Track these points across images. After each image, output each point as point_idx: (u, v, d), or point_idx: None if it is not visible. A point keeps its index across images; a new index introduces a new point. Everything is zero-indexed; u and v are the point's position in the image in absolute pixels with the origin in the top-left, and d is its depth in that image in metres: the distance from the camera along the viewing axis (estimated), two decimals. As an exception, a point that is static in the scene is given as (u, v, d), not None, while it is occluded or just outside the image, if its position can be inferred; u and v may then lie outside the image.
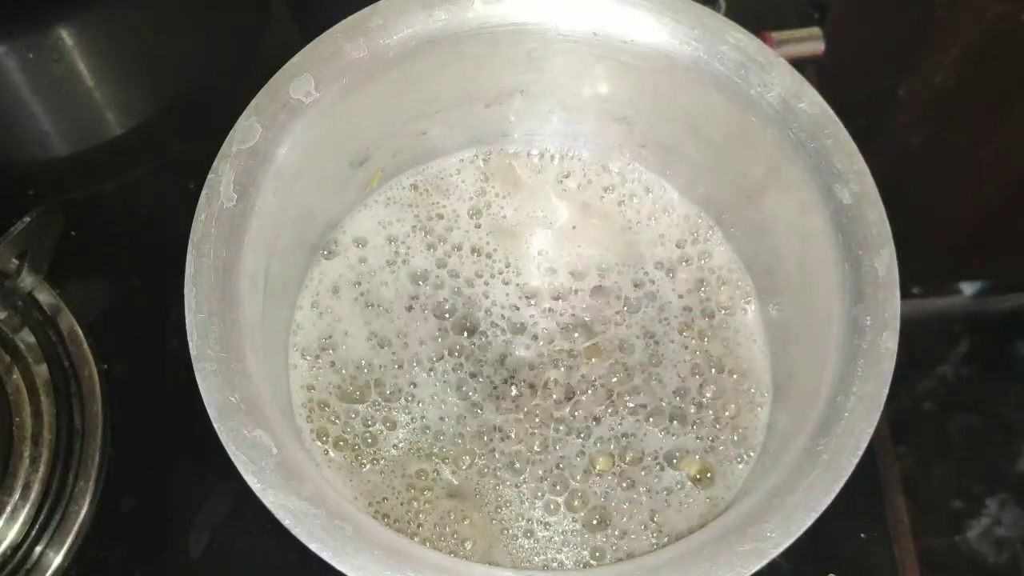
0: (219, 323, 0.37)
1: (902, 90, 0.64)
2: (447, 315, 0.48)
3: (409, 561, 0.34)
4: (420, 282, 0.49)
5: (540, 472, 0.45)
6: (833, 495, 0.36)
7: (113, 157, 0.58)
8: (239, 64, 0.62)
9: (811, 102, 0.42)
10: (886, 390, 0.38)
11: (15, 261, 0.49)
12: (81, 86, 0.60)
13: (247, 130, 0.41)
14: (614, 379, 0.47)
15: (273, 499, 0.34)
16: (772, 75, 0.43)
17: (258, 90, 0.41)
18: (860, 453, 0.36)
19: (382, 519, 0.44)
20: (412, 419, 0.46)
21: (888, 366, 0.38)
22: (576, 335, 0.48)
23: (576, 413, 0.46)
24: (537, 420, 0.46)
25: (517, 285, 0.49)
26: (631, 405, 0.47)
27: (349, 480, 0.44)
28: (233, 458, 0.35)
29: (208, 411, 0.35)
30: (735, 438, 0.46)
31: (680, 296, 0.49)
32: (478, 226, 0.50)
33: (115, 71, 0.61)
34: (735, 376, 0.47)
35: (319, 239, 0.49)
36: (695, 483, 0.45)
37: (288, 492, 0.34)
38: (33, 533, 0.45)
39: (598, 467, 0.45)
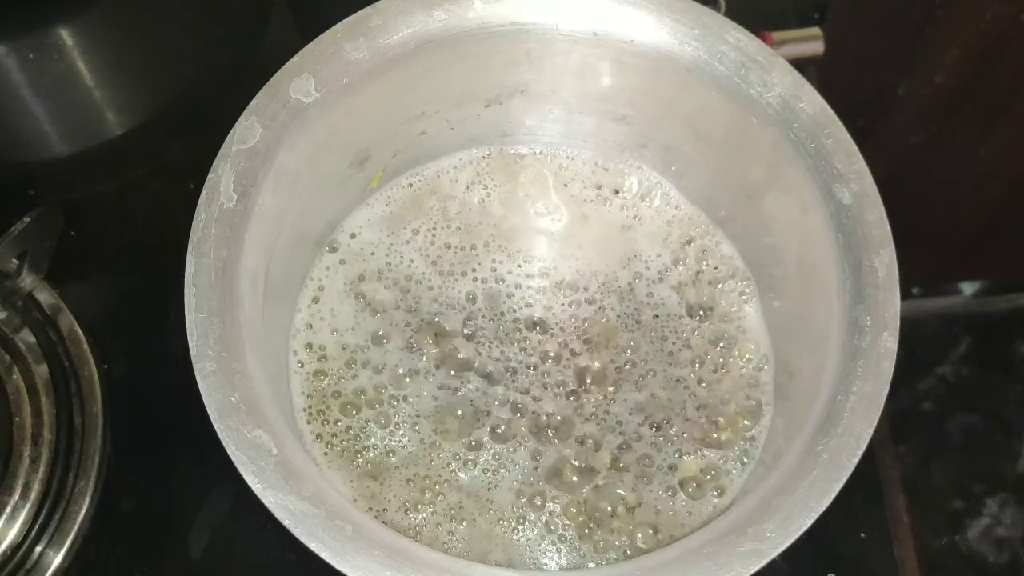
0: (219, 323, 0.37)
1: (902, 90, 0.64)
2: (448, 316, 0.48)
3: (409, 561, 0.34)
4: (421, 283, 0.49)
5: (540, 472, 0.45)
6: (833, 495, 0.36)
7: (113, 157, 0.58)
8: (239, 64, 0.62)
9: (811, 102, 0.42)
10: (886, 390, 0.38)
11: (15, 261, 0.49)
12: (81, 86, 0.60)
13: (247, 130, 0.41)
14: (614, 379, 0.47)
15: (273, 499, 0.34)
16: (772, 75, 0.43)
17: (258, 90, 0.41)
18: (860, 453, 0.36)
19: (382, 521, 0.44)
20: (413, 421, 0.46)
21: (888, 366, 0.38)
22: (576, 335, 0.48)
23: (576, 414, 0.46)
24: (537, 420, 0.46)
25: (517, 285, 0.49)
26: (631, 405, 0.47)
27: (350, 481, 0.44)
28: (233, 458, 0.35)
29: (208, 411, 0.35)
30: (735, 438, 0.46)
31: (680, 296, 0.49)
32: (478, 226, 0.50)
33: (115, 71, 0.61)
34: (735, 376, 0.47)
35: (319, 239, 0.49)
36: (695, 483, 0.45)
37: (288, 492, 0.34)
38: (33, 533, 0.45)
39: (598, 467, 0.45)
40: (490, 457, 0.45)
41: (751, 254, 0.49)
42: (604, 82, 0.47)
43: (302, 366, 0.46)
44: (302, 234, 0.47)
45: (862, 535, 0.48)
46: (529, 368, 0.47)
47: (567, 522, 0.44)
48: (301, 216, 0.45)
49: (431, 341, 0.48)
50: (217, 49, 0.62)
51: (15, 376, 0.48)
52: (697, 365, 0.48)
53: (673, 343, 0.48)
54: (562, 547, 0.44)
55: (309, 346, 0.47)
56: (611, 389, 0.47)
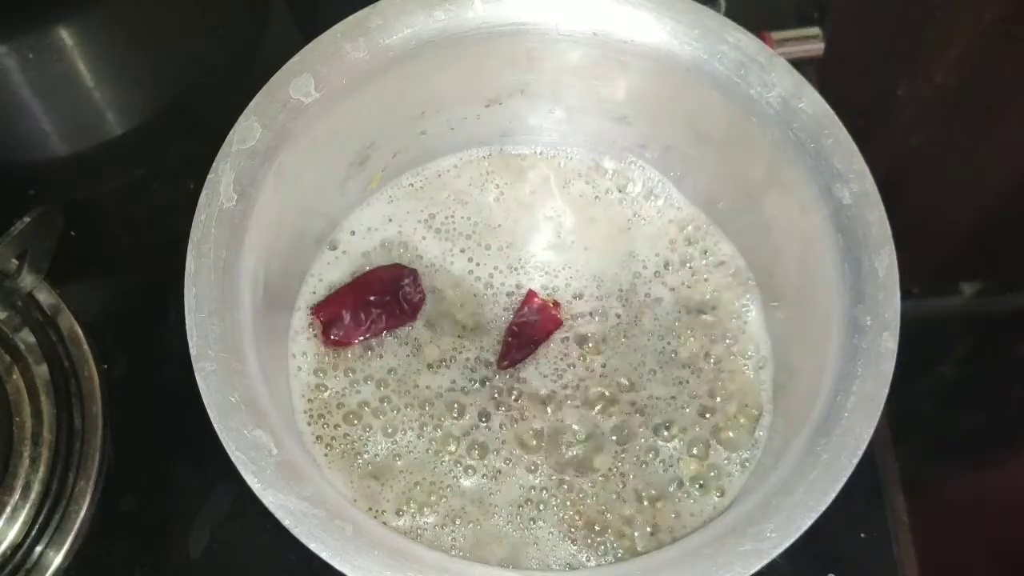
0: (219, 323, 0.37)
1: (902, 90, 0.64)
2: (447, 316, 0.48)
3: (410, 561, 0.34)
4: (421, 283, 0.49)
5: (540, 473, 0.45)
6: (833, 495, 0.36)
7: (113, 157, 0.58)
8: (239, 64, 0.62)
9: (811, 102, 0.42)
10: (886, 390, 0.38)
11: (15, 261, 0.49)
12: (81, 86, 0.60)
13: (247, 130, 0.41)
14: (612, 380, 0.47)
15: (273, 499, 0.34)
16: (772, 75, 0.43)
17: (258, 90, 0.41)
18: (860, 453, 0.36)
19: (382, 522, 0.44)
20: (413, 422, 0.46)
21: (888, 366, 0.38)
22: (576, 336, 0.48)
23: (575, 414, 0.46)
24: (537, 422, 0.46)
25: (517, 285, 0.49)
26: (630, 405, 0.47)
27: (350, 482, 0.44)
28: (233, 458, 0.35)
29: (208, 411, 0.35)
30: (735, 438, 0.46)
31: (680, 296, 0.49)
32: (478, 226, 0.50)
33: (115, 71, 0.61)
34: (735, 376, 0.47)
35: (319, 239, 0.49)
36: (696, 483, 0.45)
37: (288, 492, 0.34)
38: (33, 533, 0.45)
39: (598, 468, 0.45)
40: (490, 458, 0.45)
41: (751, 254, 0.49)
42: (604, 82, 0.47)
43: (300, 369, 0.46)
44: (302, 233, 0.47)
45: (862, 535, 0.48)
46: (530, 369, 0.47)
47: (568, 523, 0.44)
48: (301, 216, 0.45)
49: (431, 342, 0.47)
50: (217, 49, 0.62)
51: (15, 376, 0.48)
52: (697, 365, 0.48)
53: (673, 343, 0.48)
54: (563, 548, 0.44)
55: (309, 347, 0.47)
56: (610, 390, 0.47)
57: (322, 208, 0.48)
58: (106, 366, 0.50)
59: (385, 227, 0.50)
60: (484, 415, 0.46)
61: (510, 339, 0.47)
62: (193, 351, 0.36)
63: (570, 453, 0.45)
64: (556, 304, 0.48)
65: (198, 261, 0.38)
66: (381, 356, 0.47)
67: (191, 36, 0.62)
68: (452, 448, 0.45)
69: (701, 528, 0.39)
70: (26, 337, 0.49)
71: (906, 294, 0.39)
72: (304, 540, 0.34)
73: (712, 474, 0.45)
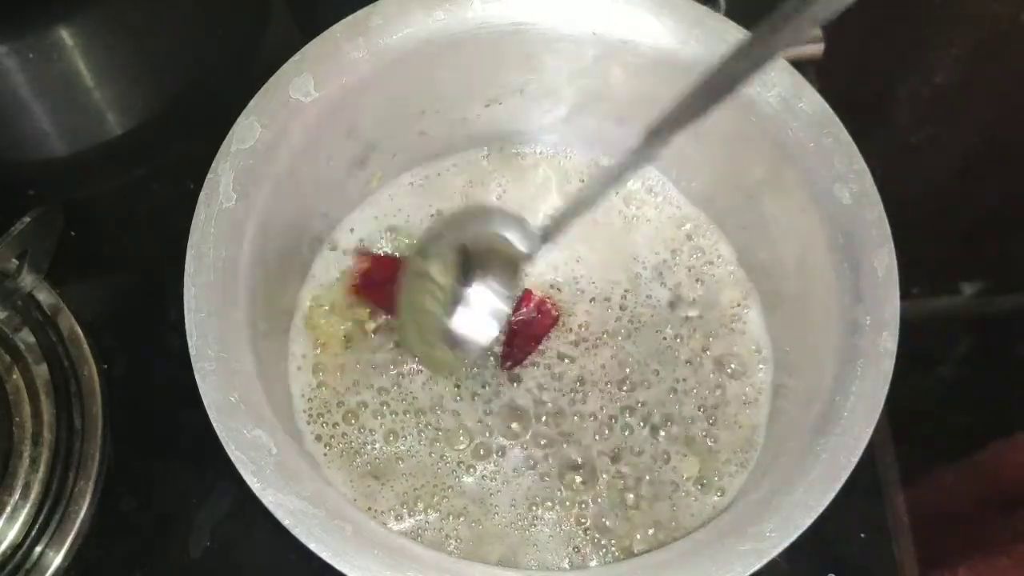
0: (219, 323, 0.37)
1: (902, 90, 0.64)
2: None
3: (409, 561, 0.34)
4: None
5: (540, 474, 0.45)
6: (833, 495, 0.36)
7: (113, 157, 0.58)
8: (239, 64, 0.62)
9: (811, 102, 0.42)
10: (886, 390, 0.38)
11: (15, 261, 0.49)
12: (81, 86, 0.59)
13: (247, 130, 0.41)
14: (612, 380, 0.47)
15: (273, 499, 0.34)
16: (772, 75, 0.43)
17: (258, 90, 0.41)
18: (860, 453, 0.36)
19: (381, 522, 0.44)
20: (414, 421, 0.46)
21: (888, 366, 0.38)
22: (576, 336, 0.48)
23: (576, 414, 0.46)
24: (537, 421, 0.46)
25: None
26: (630, 406, 0.47)
27: (350, 482, 0.44)
28: (233, 458, 0.35)
29: (208, 411, 0.35)
30: (735, 438, 0.46)
31: (679, 296, 0.49)
32: (478, 226, 0.50)
33: (115, 71, 0.61)
34: (734, 376, 0.47)
35: (319, 239, 0.49)
36: (695, 483, 0.45)
37: (288, 492, 0.34)
38: (33, 533, 0.45)
39: (598, 468, 0.45)
40: (491, 458, 0.45)
41: (751, 254, 0.49)
42: (603, 82, 0.47)
43: (300, 369, 0.46)
44: (302, 233, 0.47)
45: (862, 535, 0.48)
46: (531, 370, 0.47)
47: (568, 523, 0.44)
48: (301, 215, 0.45)
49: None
50: (217, 49, 0.62)
51: (15, 376, 0.48)
52: (696, 365, 0.48)
53: (672, 343, 0.48)
54: (563, 548, 0.44)
55: (309, 346, 0.47)
56: (609, 390, 0.47)
57: (322, 207, 0.48)
58: (106, 366, 0.50)
59: (385, 226, 0.50)
60: (484, 416, 0.46)
61: (511, 339, 0.47)
62: (193, 351, 0.36)
63: (570, 453, 0.45)
64: (552, 300, 0.48)
65: (198, 261, 0.38)
66: (382, 356, 0.47)
67: (191, 36, 0.62)
68: (452, 448, 0.45)
69: (701, 528, 0.39)
70: (26, 337, 0.49)
71: (906, 294, 0.39)
72: (304, 540, 0.34)
73: (712, 474, 0.45)
